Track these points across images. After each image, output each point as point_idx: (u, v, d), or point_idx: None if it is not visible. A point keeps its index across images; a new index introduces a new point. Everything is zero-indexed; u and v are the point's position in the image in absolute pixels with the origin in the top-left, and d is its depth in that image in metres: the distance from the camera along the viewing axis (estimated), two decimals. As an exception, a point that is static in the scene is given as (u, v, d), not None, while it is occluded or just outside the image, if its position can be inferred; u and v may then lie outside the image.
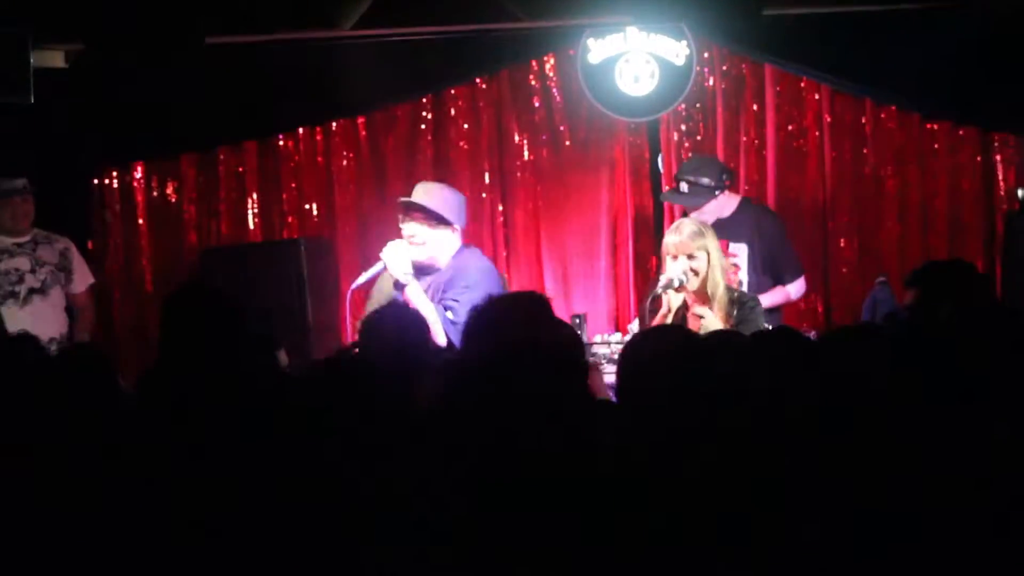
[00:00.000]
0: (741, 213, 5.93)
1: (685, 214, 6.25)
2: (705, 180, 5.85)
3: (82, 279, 6.24)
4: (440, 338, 4.99)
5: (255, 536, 2.52)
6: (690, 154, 6.72)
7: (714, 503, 2.40)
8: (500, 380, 2.61)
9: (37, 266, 6.07)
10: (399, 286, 5.17)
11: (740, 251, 5.81)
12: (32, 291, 6.03)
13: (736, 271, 5.74)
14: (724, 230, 5.77)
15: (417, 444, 2.62)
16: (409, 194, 5.39)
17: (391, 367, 3.50)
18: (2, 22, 5.89)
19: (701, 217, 5.78)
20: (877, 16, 6.41)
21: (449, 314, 5.04)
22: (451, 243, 5.29)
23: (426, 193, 5.35)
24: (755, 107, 6.83)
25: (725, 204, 5.90)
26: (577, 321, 5.63)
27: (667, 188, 6.54)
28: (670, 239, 4.83)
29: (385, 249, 5.22)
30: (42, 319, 5.92)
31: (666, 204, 6.73)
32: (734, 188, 5.99)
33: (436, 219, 5.25)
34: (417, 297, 5.10)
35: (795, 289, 5.93)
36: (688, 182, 5.91)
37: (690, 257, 4.75)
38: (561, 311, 5.80)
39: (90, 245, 6.66)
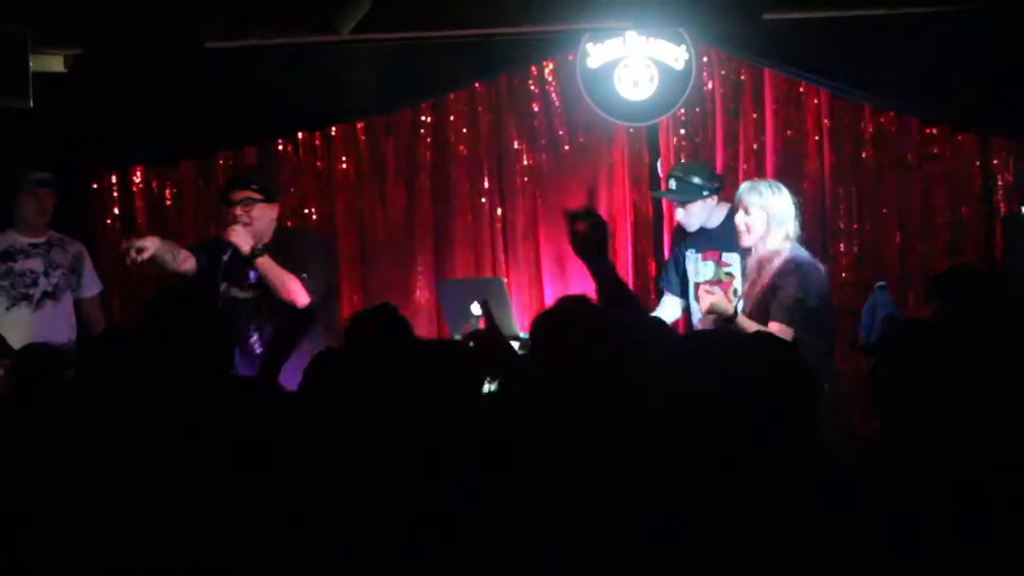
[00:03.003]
0: (731, 222, 5.91)
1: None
2: (695, 179, 5.88)
3: (91, 285, 6.21)
4: (302, 299, 5.48)
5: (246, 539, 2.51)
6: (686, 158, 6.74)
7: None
8: None
9: (50, 269, 6.04)
10: (243, 261, 5.51)
11: (733, 260, 5.79)
12: (45, 295, 6.01)
13: (731, 281, 5.76)
14: (715, 240, 5.83)
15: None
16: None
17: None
18: (2, 24, 5.88)
19: (688, 219, 5.83)
20: (876, 21, 6.41)
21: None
22: (272, 217, 5.68)
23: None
24: (754, 112, 6.83)
25: (714, 211, 5.88)
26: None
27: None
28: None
29: (231, 233, 5.52)
30: (52, 324, 5.91)
31: (665, 208, 6.75)
32: (725, 198, 5.98)
33: (268, 195, 5.68)
34: (272, 267, 5.50)
35: None
36: (677, 179, 5.93)
37: (746, 212, 5.13)
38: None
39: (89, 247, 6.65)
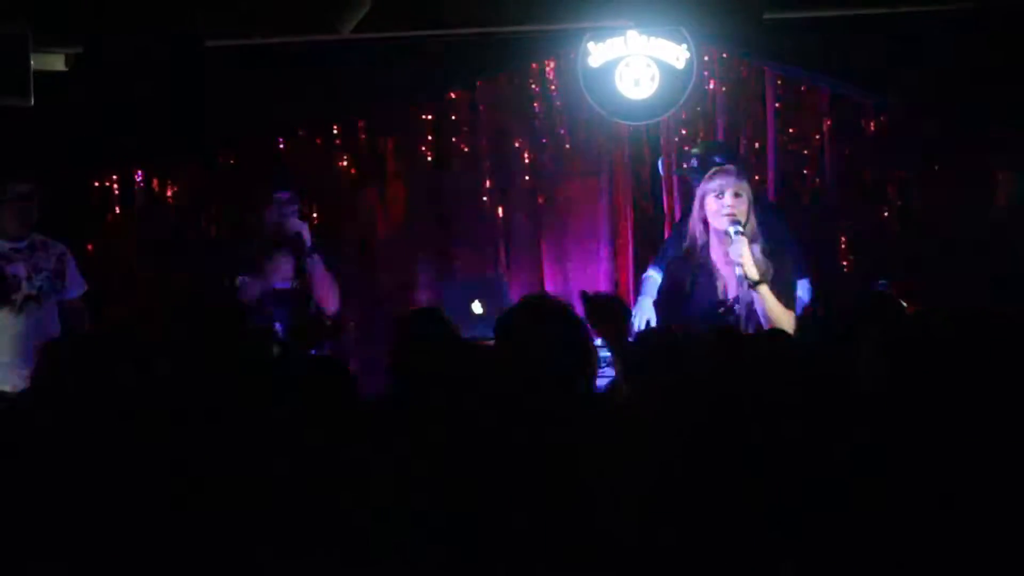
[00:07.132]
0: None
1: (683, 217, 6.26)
2: (716, 158, 5.85)
3: (76, 285, 6.18)
4: (335, 307, 5.65)
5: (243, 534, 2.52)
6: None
7: None
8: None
9: (34, 273, 6.01)
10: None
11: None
12: (28, 299, 5.97)
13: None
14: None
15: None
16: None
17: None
18: (2, 24, 5.89)
19: None
20: (877, 20, 6.42)
21: None
22: None
23: None
24: (755, 110, 6.84)
25: None
26: None
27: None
28: (716, 181, 4.89)
29: (296, 223, 5.67)
30: (36, 327, 5.87)
31: (666, 207, 6.77)
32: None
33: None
34: (321, 267, 5.62)
35: (801, 290, 5.91)
36: (699, 158, 5.92)
37: (736, 196, 4.85)
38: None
39: (89, 248, 6.66)
